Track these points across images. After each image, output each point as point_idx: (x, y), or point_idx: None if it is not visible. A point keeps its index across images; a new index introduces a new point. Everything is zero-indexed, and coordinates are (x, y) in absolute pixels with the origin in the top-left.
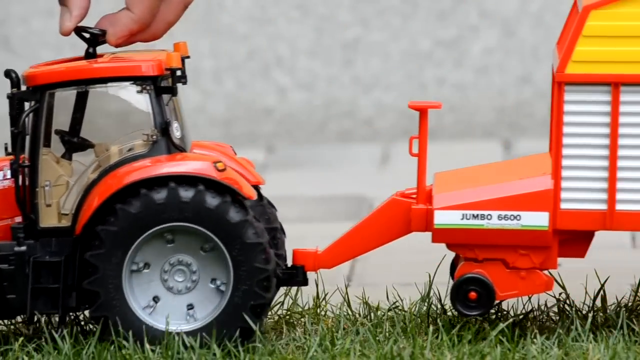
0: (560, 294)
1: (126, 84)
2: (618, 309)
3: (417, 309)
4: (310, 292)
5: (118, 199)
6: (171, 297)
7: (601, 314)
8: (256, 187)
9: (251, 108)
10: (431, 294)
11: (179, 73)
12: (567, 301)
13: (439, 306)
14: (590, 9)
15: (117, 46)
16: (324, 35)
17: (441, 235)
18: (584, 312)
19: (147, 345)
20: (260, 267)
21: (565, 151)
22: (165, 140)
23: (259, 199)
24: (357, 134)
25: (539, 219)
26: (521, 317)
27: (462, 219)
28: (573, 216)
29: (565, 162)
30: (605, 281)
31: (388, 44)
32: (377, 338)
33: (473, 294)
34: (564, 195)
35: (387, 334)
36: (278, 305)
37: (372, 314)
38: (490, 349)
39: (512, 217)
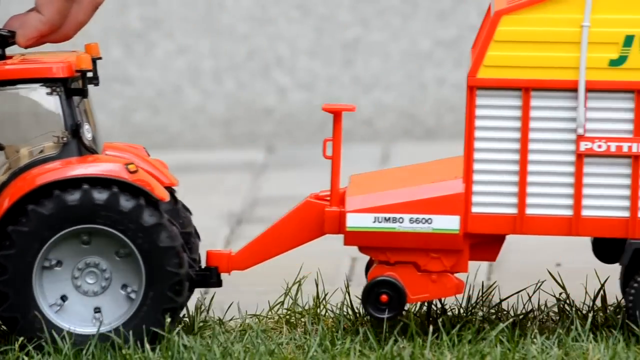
0: (560, 294)
1: (36, 86)
2: (618, 309)
3: (417, 309)
4: (310, 292)
5: (30, 201)
6: (79, 298)
7: (601, 314)
8: (170, 190)
9: (251, 108)
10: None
11: (90, 75)
12: (567, 301)
13: (439, 306)
14: (502, 14)
15: (26, 47)
16: (324, 35)
17: (353, 238)
18: (584, 312)
19: (147, 346)
20: (172, 271)
21: (476, 155)
22: (76, 142)
23: (173, 202)
24: (357, 134)
25: (450, 223)
26: (521, 317)
27: (374, 222)
28: (484, 220)
29: (476, 166)
30: (605, 281)
31: (388, 44)
32: (377, 338)
33: (384, 297)
34: (475, 199)
35: (387, 334)
36: (278, 305)
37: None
38: (490, 349)
39: (423, 221)
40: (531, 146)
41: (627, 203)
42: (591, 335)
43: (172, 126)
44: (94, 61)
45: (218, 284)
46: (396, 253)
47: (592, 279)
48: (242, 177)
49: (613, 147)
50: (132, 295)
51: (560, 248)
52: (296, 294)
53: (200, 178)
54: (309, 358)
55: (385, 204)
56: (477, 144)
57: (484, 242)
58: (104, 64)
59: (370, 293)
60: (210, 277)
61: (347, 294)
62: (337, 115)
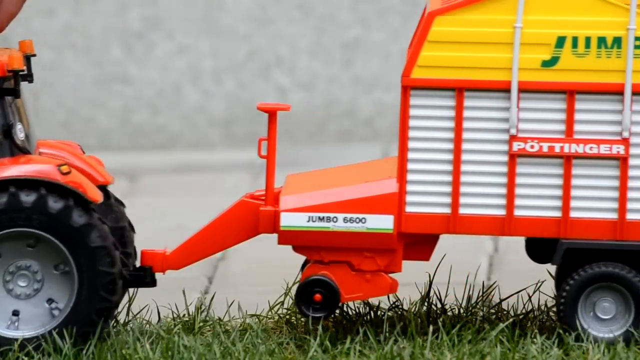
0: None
1: None
2: None
3: (417, 309)
4: None
5: None
6: (3, 296)
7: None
8: (104, 187)
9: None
10: (431, 294)
11: (24, 72)
12: None
13: (439, 306)
14: (435, 15)
15: None
16: (324, 35)
17: (287, 237)
18: None
19: (147, 346)
20: (105, 271)
21: (410, 155)
22: (8, 142)
23: (106, 197)
24: (357, 134)
25: (383, 222)
26: (521, 317)
27: (308, 221)
28: (417, 219)
29: (410, 166)
30: None
31: (388, 44)
32: (377, 338)
33: (318, 296)
34: (409, 198)
35: (387, 334)
36: (278, 305)
37: (372, 314)
38: (490, 349)
39: (357, 220)
40: (464, 146)
41: (559, 203)
42: (591, 336)
43: (172, 126)
44: (28, 58)
45: (152, 283)
46: (330, 252)
47: None
48: (242, 177)
49: (545, 147)
50: (55, 312)
51: None
52: None
53: (200, 178)
54: (309, 358)
55: (320, 204)
56: (411, 144)
57: (418, 241)
58: (104, 64)
59: (304, 292)
60: (145, 277)
61: None
62: (272, 114)
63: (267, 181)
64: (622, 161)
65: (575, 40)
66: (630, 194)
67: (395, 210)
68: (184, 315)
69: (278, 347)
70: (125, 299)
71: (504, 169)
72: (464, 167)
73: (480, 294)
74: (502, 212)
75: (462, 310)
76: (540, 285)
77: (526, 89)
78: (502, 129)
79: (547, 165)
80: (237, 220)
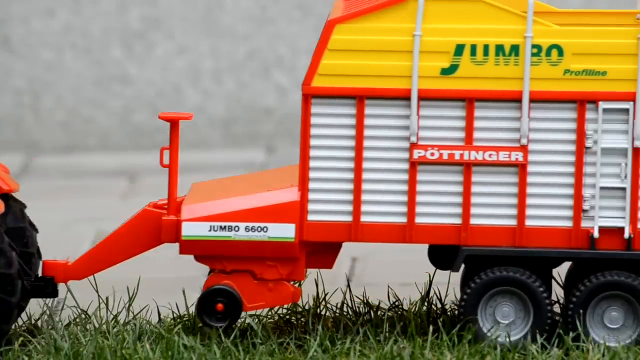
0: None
1: None
2: None
3: (417, 309)
4: (310, 292)
5: None
6: None
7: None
8: (21, 206)
9: (251, 108)
10: (431, 294)
11: None
12: None
13: (439, 306)
14: (335, 23)
15: None
16: None
17: (189, 247)
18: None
19: (147, 346)
20: (1, 272)
21: (312, 163)
22: None
23: (20, 217)
24: None
25: (285, 231)
26: None
27: (210, 230)
28: (319, 228)
29: (312, 174)
30: None
31: None
32: (377, 338)
33: (220, 306)
34: (310, 207)
35: (387, 334)
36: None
37: (372, 314)
38: (490, 349)
39: (259, 229)
40: (365, 154)
41: (459, 210)
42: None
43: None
44: None
45: (54, 293)
46: (232, 262)
47: None
48: None
49: (445, 154)
50: None
51: None
52: None
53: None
54: (309, 358)
55: (221, 213)
56: (313, 152)
57: (321, 249)
58: (104, 64)
59: (206, 302)
60: (46, 287)
61: (347, 294)
62: (174, 124)
63: (169, 190)
64: (521, 168)
65: (473, 48)
66: (529, 201)
67: (296, 219)
68: (184, 315)
69: (278, 347)
70: (126, 298)
71: (405, 176)
72: (365, 175)
73: None
74: (403, 219)
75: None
76: None
77: (426, 97)
78: (403, 136)
79: (447, 173)
80: (140, 230)
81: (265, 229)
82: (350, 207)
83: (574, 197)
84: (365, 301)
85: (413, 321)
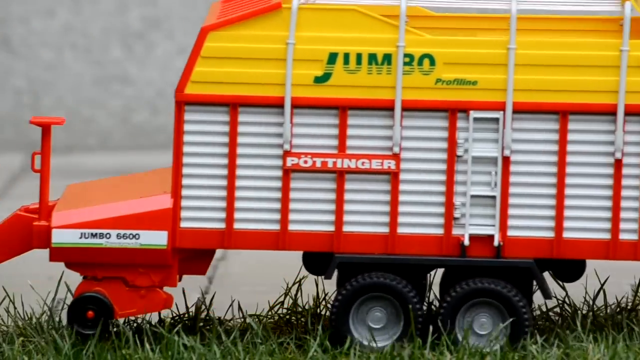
0: (562, 294)
1: None
2: (618, 309)
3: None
4: (310, 292)
5: None
6: None
7: (601, 314)
8: None
9: None
10: (431, 293)
11: None
12: (567, 301)
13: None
14: (208, 31)
15: None
16: None
17: (59, 254)
18: (584, 312)
19: (147, 345)
20: None
21: (185, 170)
22: None
23: None
24: None
25: (157, 238)
26: None
27: (81, 237)
28: (192, 235)
29: (185, 181)
30: (605, 281)
31: None
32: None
33: (91, 313)
34: (183, 214)
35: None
36: (278, 305)
37: None
38: (490, 348)
39: (131, 236)
40: (239, 161)
41: (332, 217)
42: (591, 335)
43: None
44: None
45: None
46: (104, 269)
47: (592, 279)
48: None
49: (319, 162)
50: None
51: None
52: (296, 294)
53: None
54: (309, 358)
55: (92, 220)
56: (186, 159)
57: (194, 256)
58: (104, 64)
59: (76, 309)
60: None
61: None
62: (45, 128)
63: (40, 195)
64: (393, 176)
65: (346, 57)
66: (401, 208)
67: (169, 226)
68: (184, 315)
69: (278, 347)
70: None
71: (278, 183)
72: (238, 182)
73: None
74: (276, 226)
75: None
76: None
77: (299, 105)
78: (276, 144)
79: (321, 180)
80: (10, 234)
81: (137, 236)
82: (223, 214)
83: (445, 205)
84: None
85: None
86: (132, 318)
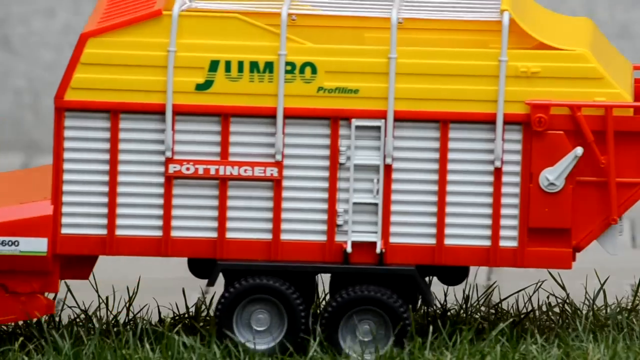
0: (564, 294)
1: None
2: (618, 309)
3: (417, 309)
4: None
5: None
6: None
7: (601, 314)
8: None
9: None
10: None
11: None
12: (567, 301)
13: (439, 306)
14: (88, 37)
15: None
16: None
17: None
18: (584, 312)
19: (147, 346)
20: None
21: (65, 176)
22: None
23: None
24: None
25: (37, 245)
26: (521, 317)
27: None
28: (73, 241)
29: (65, 188)
30: (605, 281)
31: None
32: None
33: None
34: (64, 220)
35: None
36: None
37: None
38: (490, 349)
39: (10, 243)
40: (121, 168)
41: (215, 224)
42: (591, 335)
43: None
44: None
45: None
46: None
47: (592, 279)
48: None
49: (201, 169)
50: None
51: None
52: None
53: None
54: (309, 358)
55: None
56: (66, 165)
57: (76, 261)
58: None
59: None
60: None
61: None
62: None
63: None
64: (276, 183)
65: (228, 65)
66: (284, 215)
67: (49, 233)
68: (184, 315)
69: (278, 347)
70: (126, 298)
71: (161, 190)
72: (120, 189)
73: (479, 294)
74: (159, 233)
75: (462, 311)
76: (540, 285)
77: (181, 112)
78: (159, 151)
79: (203, 187)
80: None
81: (16, 243)
82: (105, 221)
83: (328, 212)
84: None
85: (413, 321)
86: (131, 318)
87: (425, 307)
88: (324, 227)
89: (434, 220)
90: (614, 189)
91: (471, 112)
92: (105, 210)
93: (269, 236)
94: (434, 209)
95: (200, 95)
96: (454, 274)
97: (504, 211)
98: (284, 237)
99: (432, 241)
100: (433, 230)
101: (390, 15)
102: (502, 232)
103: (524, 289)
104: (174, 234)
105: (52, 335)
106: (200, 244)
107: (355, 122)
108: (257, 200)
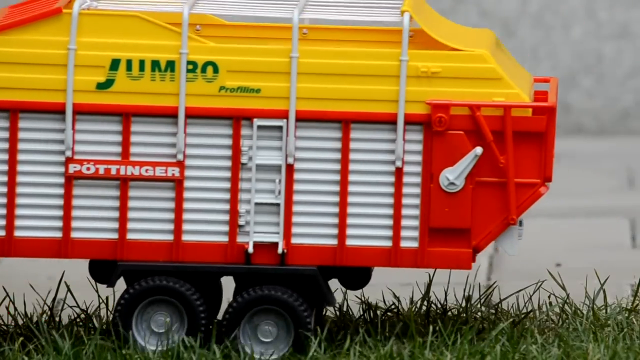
0: (564, 294)
1: None
2: (618, 309)
3: (417, 309)
4: None
5: None
6: None
7: (601, 314)
8: None
9: None
10: (431, 293)
11: None
12: (567, 301)
13: (439, 306)
14: None
15: None
16: None
17: None
18: (584, 312)
19: (147, 346)
20: None
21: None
22: None
23: None
24: None
25: None
26: (521, 317)
27: None
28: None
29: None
30: (605, 281)
31: None
32: (377, 338)
33: None
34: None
35: (387, 334)
36: None
37: (371, 314)
38: (490, 348)
39: None
40: (20, 168)
41: (116, 225)
42: (591, 335)
43: None
44: None
45: None
46: None
47: (592, 279)
48: None
49: (102, 169)
50: None
51: (560, 248)
52: None
53: None
54: (309, 358)
55: None
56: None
57: None
58: None
59: None
60: None
61: (346, 294)
62: None
63: None
64: (178, 183)
65: (129, 63)
66: (186, 216)
67: None
68: None
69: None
70: None
71: (61, 190)
72: (19, 189)
73: (480, 294)
74: (58, 234)
75: (462, 311)
76: (540, 285)
77: (82, 111)
78: (59, 151)
79: (104, 187)
80: None
81: None
82: (3, 222)
83: (230, 212)
84: (364, 301)
85: (413, 321)
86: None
87: (426, 307)
88: (226, 228)
89: (335, 220)
90: (513, 189)
91: (372, 112)
92: (3, 211)
93: (170, 237)
94: (336, 209)
95: (101, 94)
96: (356, 278)
97: (405, 211)
98: (185, 237)
99: (334, 242)
100: (335, 231)
101: (292, 16)
102: (403, 233)
103: (524, 289)
104: (74, 235)
105: (52, 335)
106: (101, 245)
107: (257, 122)
108: (159, 200)
